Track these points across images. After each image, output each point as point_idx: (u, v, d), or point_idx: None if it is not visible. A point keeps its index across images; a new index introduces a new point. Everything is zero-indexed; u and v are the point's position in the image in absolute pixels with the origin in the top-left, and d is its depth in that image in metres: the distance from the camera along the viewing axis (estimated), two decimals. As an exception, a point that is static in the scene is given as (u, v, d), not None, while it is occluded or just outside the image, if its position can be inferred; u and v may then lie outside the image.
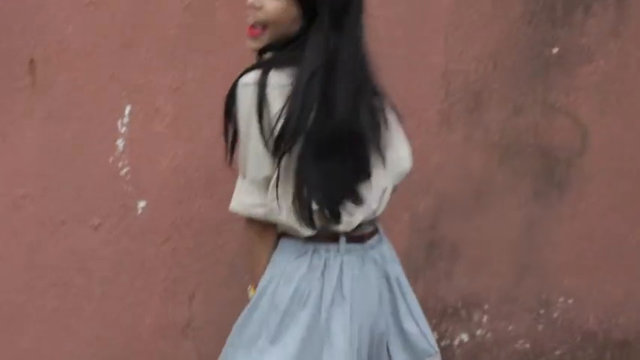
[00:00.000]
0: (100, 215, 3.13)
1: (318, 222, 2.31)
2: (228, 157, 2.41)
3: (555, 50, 3.41)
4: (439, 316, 3.48)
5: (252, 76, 2.28)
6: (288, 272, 2.38)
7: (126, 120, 3.09)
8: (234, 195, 2.42)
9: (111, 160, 3.10)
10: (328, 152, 2.27)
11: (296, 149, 2.25)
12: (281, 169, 2.27)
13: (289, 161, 2.26)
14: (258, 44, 2.37)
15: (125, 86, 3.07)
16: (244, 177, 2.37)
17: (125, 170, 3.12)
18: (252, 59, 2.93)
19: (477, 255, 3.49)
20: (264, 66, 2.31)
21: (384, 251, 2.50)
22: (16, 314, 3.11)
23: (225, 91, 2.80)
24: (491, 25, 3.35)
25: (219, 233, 3.25)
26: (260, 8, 2.32)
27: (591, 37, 3.43)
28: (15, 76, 2.93)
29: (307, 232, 2.32)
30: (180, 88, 3.12)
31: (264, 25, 2.33)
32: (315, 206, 2.27)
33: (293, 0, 2.30)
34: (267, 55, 2.39)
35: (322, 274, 2.38)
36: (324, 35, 2.28)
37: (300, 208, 2.28)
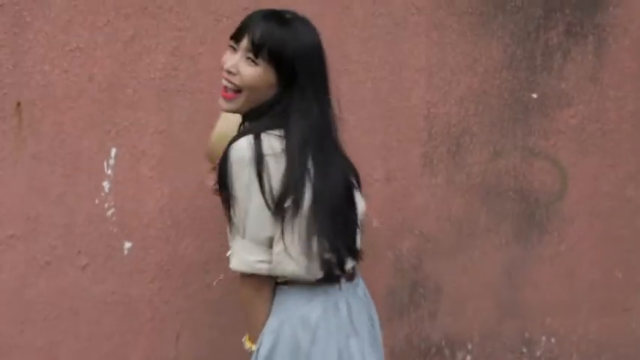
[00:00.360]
0: (87, 255, 3.18)
1: (325, 267, 2.40)
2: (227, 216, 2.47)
3: (535, 95, 3.46)
4: (423, 355, 3.51)
5: (247, 144, 2.35)
6: (304, 315, 2.47)
7: (112, 162, 3.15)
8: (233, 254, 2.48)
9: (97, 201, 3.15)
10: (333, 208, 2.39)
11: (302, 209, 2.35)
12: (285, 226, 2.36)
13: (294, 219, 2.36)
14: (232, 106, 2.45)
15: (111, 128, 3.13)
16: (244, 237, 2.43)
17: (111, 211, 3.18)
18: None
19: (460, 295, 3.52)
20: (254, 133, 2.37)
21: (363, 287, 2.59)
22: (5, 347, 3.14)
23: (209, 131, 2.88)
24: (472, 69, 3.41)
25: (206, 272, 3.29)
26: (236, 74, 2.39)
27: (570, 82, 3.49)
28: (2, 118, 2.99)
29: (318, 275, 2.42)
30: (166, 130, 3.19)
31: (239, 89, 2.41)
32: (327, 255, 2.37)
33: (270, 67, 2.37)
34: (250, 122, 2.46)
35: (334, 313, 2.48)
36: (308, 103, 2.38)
37: (310, 258, 2.39)
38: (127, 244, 3.21)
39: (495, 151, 3.46)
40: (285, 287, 2.49)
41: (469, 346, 3.54)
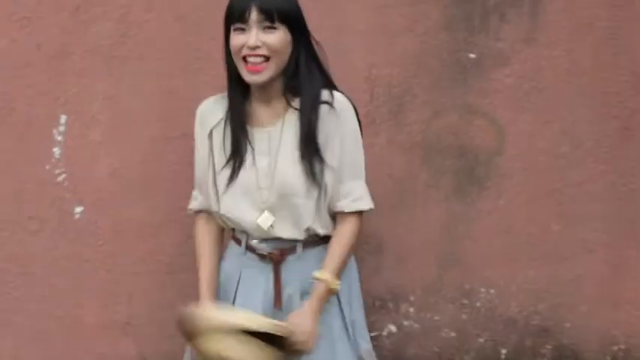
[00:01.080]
0: (38, 220, 3.24)
1: None
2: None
3: (473, 55, 3.55)
4: (368, 308, 3.58)
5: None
6: None
7: (62, 129, 3.21)
8: (362, 196, 2.77)
9: (47, 167, 3.21)
10: None
11: None
12: None
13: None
14: (265, 76, 2.58)
15: (60, 96, 3.19)
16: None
17: (62, 177, 3.24)
18: (186, 65, 3.09)
19: (402, 250, 3.61)
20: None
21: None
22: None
23: (157, 96, 2.95)
24: (412, 31, 3.49)
25: (156, 235, 3.37)
26: (261, 46, 2.52)
27: (506, 42, 3.57)
28: (-48, 89, 3.03)
29: None
30: (115, 96, 3.24)
31: (267, 58, 2.54)
32: None
33: (285, 28, 2.54)
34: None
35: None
36: (311, 58, 2.66)
37: None
38: (78, 209, 3.27)
39: (435, 110, 3.55)
40: None
41: (412, 299, 3.64)
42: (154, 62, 3.25)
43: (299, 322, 2.65)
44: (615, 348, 3.86)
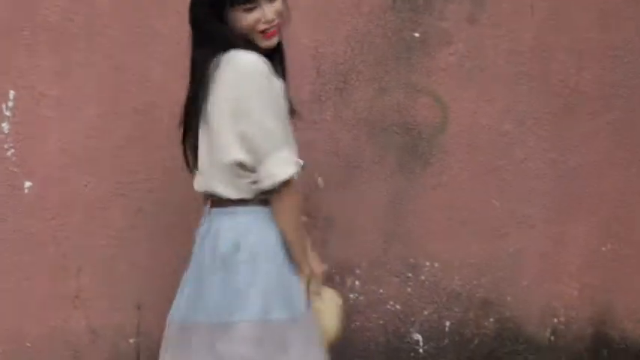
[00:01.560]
0: (-13, 195, 3.27)
1: None
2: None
3: (417, 34, 3.62)
4: (315, 282, 3.68)
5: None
6: None
7: (10, 104, 3.23)
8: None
9: (-3, 142, 3.24)
10: None
11: None
12: None
13: None
14: (277, 39, 2.68)
15: (9, 71, 3.21)
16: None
17: (11, 152, 3.26)
18: (135, 41, 3.12)
19: (348, 224, 3.68)
20: None
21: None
22: None
23: (107, 72, 2.98)
24: (358, 9, 3.55)
25: (105, 209, 3.41)
26: (279, 14, 2.64)
27: (450, 21, 3.65)
28: None
29: None
30: (64, 71, 3.27)
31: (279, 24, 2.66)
32: None
33: None
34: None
35: None
36: None
37: None
38: (28, 183, 3.30)
39: (380, 87, 3.62)
40: None
41: (357, 272, 3.71)
42: (104, 38, 3.28)
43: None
44: (555, 320, 3.96)
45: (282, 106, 2.61)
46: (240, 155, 2.55)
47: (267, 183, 2.55)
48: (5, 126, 3.24)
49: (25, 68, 3.22)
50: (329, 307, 2.75)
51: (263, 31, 2.64)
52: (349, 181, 3.62)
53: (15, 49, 3.21)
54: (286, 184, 2.57)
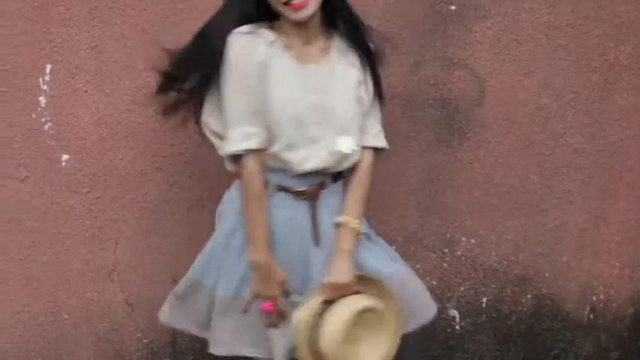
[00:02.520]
0: (26, 168, 3.31)
1: None
2: None
3: (453, 7, 3.60)
4: (350, 257, 3.68)
5: None
6: None
7: (47, 78, 3.27)
8: (382, 135, 2.95)
9: (34, 116, 3.28)
10: None
11: None
12: None
13: None
14: (312, 9, 2.62)
15: (45, 45, 3.24)
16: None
17: (48, 125, 3.30)
18: (170, 16, 3.14)
19: (384, 199, 3.67)
20: None
21: None
22: (-51, 261, 3.28)
23: (141, 46, 3.01)
24: (393, -17, 3.54)
25: (141, 183, 3.44)
26: None
27: (487, -6, 3.63)
28: (-62, 37, 3.10)
29: None
30: (98, 45, 3.30)
31: None
32: None
33: None
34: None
35: None
36: None
37: None
38: (65, 157, 3.34)
39: (416, 61, 3.60)
40: None
41: (393, 247, 3.67)
42: (138, 12, 3.30)
43: (339, 275, 2.75)
44: (594, 298, 3.94)
45: (255, 83, 2.63)
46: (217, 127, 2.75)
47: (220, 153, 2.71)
48: (42, 100, 3.28)
49: (60, 42, 3.25)
50: (330, 320, 2.69)
51: (287, 3, 2.60)
52: (385, 156, 3.57)
53: (51, 24, 3.24)
54: (238, 161, 2.69)
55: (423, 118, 3.62)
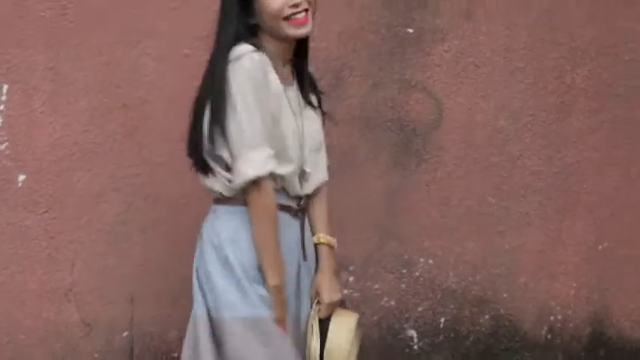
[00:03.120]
0: (-19, 188, 3.30)
1: None
2: None
3: (411, 30, 3.62)
4: (309, 277, 3.69)
5: None
6: None
7: (4, 98, 3.27)
8: None
9: (-11, 136, 3.27)
10: None
11: None
12: None
13: None
14: (310, 27, 2.62)
15: (2, 65, 3.24)
16: None
17: (4, 145, 3.30)
18: (126, 37, 3.15)
19: (342, 221, 3.65)
20: None
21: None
22: None
23: (98, 67, 3.02)
24: (350, 6, 3.56)
25: (97, 204, 3.43)
26: (303, 1, 2.56)
27: (445, 17, 3.65)
28: None
29: None
30: (55, 66, 3.30)
31: (306, 10, 2.58)
32: None
33: None
34: None
35: None
36: None
37: None
38: (21, 177, 3.34)
39: (374, 83, 3.62)
40: None
41: (351, 268, 3.72)
42: (95, 34, 3.31)
43: (336, 294, 2.76)
44: (552, 318, 3.97)
45: (272, 105, 2.55)
46: (221, 151, 2.54)
47: (237, 181, 2.53)
48: (-2, 120, 3.27)
49: (17, 62, 3.25)
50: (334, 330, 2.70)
51: (288, 17, 2.56)
52: (343, 177, 3.61)
53: (8, 44, 3.24)
54: (255, 184, 2.52)
55: (380, 141, 3.65)
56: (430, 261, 3.78)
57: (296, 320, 2.71)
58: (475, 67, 3.67)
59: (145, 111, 3.35)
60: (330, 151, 3.45)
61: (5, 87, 3.27)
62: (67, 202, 3.39)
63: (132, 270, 3.47)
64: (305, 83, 2.75)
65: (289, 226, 2.69)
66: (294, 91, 2.69)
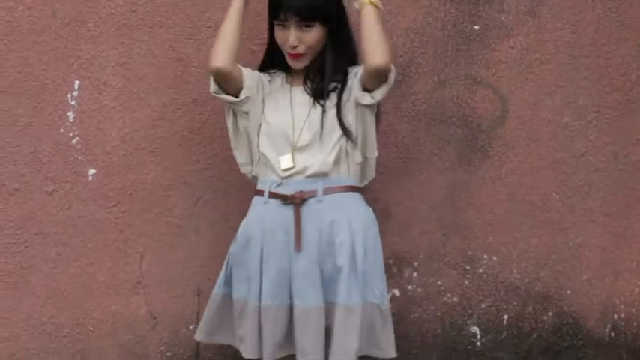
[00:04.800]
0: (53, 182, 3.37)
1: None
2: None
3: (477, 27, 3.63)
4: (373, 273, 3.70)
5: None
6: None
7: (75, 93, 3.33)
8: None
9: (62, 130, 3.33)
10: None
11: None
12: None
13: None
14: (305, 62, 3.03)
15: (74, 62, 3.31)
16: None
17: (76, 140, 3.36)
18: (196, 34, 3.20)
19: (406, 216, 3.69)
20: None
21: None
22: (-22, 271, 3.33)
23: (168, 63, 3.06)
24: (417, 2, 3.57)
25: (166, 197, 3.48)
26: (299, 44, 2.95)
27: (510, 14, 3.65)
28: (-32, 55, 3.16)
29: None
30: (126, 62, 3.36)
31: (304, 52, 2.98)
32: None
33: (320, 25, 2.95)
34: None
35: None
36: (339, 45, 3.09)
37: None
38: (92, 171, 3.39)
39: (440, 80, 3.63)
40: None
41: (415, 264, 3.72)
42: (165, 30, 3.36)
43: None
44: (615, 316, 3.94)
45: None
46: None
47: None
48: (70, 115, 3.33)
49: (89, 58, 3.31)
50: None
51: (288, 52, 2.96)
52: (408, 173, 3.64)
53: (80, 40, 3.31)
54: None
55: (446, 136, 3.65)
56: (494, 257, 3.78)
57: (281, 301, 2.93)
58: (540, 64, 3.66)
59: (214, 106, 3.38)
60: (395, 145, 3.52)
61: (77, 82, 3.33)
62: (136, 195, 3.44)
63: (200, 263, 3.51)
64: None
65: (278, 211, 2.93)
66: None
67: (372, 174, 3.17)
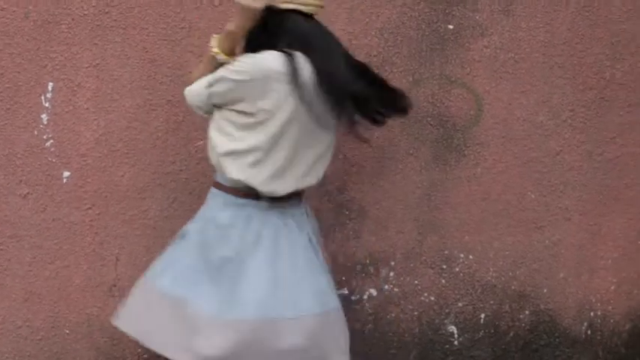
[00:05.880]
0: (27, 185, 3.35)
1: None
2: None
3: (451, 26, 3.63)
4: (349, 272, 3.70)
5: None
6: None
7: (49, 95, 3.31)
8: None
9: (36, 132, 3.31)
10: None
11: None
12: None
13: None
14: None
15: (47, 63, 3.29)
16: None
17: (50, 142, 3.34)
18: (170, 35, 3.19)
19: (382, 215, 3.70)
20: None
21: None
22: (-49, 276, 3.31)
23: (142, 64, 3.04)
24: (391, 2, 3.57)
25: (142, 199, 3.47)
26: None
27: (484, 13, 3.66)
28: (-60, 57, 3.14)
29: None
30: (100, 64, 3.34)
31: None
32: None
33: None
34: None
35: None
36: None
37: None
38: (66, 173, 3.38)
39: (414, 79, 3.63)
40: None
41: (392, 263, 3.73)
42: (138, 31, 3.35)
43: None
44: (592, 314, 3.95)
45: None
46: None
47: None
48: (44, 117, 3.32)
49: (62, 60, 3.30)
50: None
51: None
52: (383, 172, 3.64)
53: (53, 42, 3.29)
54: None
55: (421, 136, 3.66)
56: (470, 256, 3.79)
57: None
58: (514, 63, 3.67)
59: (188, 107, 3.36)
60: (371, 146, 3.51)
61: (50, 84, 3.31)
62: (111, 197, 3.42)
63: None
64: None
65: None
66: None
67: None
